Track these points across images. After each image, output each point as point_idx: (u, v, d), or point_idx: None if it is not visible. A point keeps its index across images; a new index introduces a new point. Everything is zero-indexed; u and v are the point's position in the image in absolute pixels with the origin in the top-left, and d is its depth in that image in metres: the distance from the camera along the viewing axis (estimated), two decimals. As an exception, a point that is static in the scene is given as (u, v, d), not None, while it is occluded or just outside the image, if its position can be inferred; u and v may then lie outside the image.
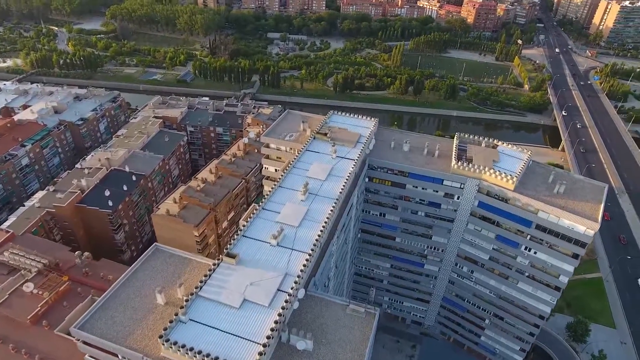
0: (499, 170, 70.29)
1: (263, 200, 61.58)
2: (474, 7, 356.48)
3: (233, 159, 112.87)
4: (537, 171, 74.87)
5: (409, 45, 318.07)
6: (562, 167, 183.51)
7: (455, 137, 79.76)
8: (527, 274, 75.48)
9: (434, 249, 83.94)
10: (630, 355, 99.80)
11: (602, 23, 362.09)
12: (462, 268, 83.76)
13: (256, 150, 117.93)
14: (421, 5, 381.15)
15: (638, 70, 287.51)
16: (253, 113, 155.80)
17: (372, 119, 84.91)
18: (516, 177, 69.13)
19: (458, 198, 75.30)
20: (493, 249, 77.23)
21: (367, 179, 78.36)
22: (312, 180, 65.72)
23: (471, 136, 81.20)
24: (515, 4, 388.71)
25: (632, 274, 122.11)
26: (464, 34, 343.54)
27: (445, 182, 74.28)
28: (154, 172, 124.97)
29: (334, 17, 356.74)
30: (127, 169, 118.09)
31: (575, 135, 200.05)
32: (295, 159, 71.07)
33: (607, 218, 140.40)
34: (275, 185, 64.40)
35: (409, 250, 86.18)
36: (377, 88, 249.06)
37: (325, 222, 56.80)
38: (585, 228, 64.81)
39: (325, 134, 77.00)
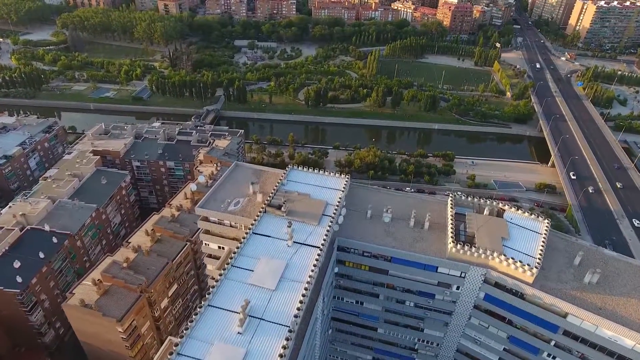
0: (512, 257, 52.31)
1: (182, 334, 41.80)
2: (449, 9, 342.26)
3: (176, 214, 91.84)
4: (558, 247, 57.36)
5: (385, 50, 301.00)
6: (554, 188, 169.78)
7: (449, 202, 61.53)
8: (549, 384, 58.07)
9: (427, 342, 65.72)
10: None
11: (579, 24, 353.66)
12: (463, 366, 65.91)
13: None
14: (396, 8, 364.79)
15: (620, 73, 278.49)
16: (210, 142, 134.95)
17: (343, 175, 66.60)
18: (536, 267, 51.31)
19: (458, 288, 57.18)
20: (504, 349, 59.50)
21: (337, 268, 59.37)
22: (257, 292, 46.40)
23: (469, 197, 63.37)
24: (491, 5, 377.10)
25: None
26: (440, 37, 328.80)
27: (440, 270, 56.02)
28: (84, 228, 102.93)
29: (305, 22, 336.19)
30: (47, 228, 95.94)
31: (565, 149, 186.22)
32: (235, 252, 51.43)
33: None
34: (202, 306, 44.64)
35: (395, 342, 67.77)
36: (353, 100, 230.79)
37: (271, 381, 37.62)
38: (635, 343, 47.52)
39: (280, 208, 57.66)
